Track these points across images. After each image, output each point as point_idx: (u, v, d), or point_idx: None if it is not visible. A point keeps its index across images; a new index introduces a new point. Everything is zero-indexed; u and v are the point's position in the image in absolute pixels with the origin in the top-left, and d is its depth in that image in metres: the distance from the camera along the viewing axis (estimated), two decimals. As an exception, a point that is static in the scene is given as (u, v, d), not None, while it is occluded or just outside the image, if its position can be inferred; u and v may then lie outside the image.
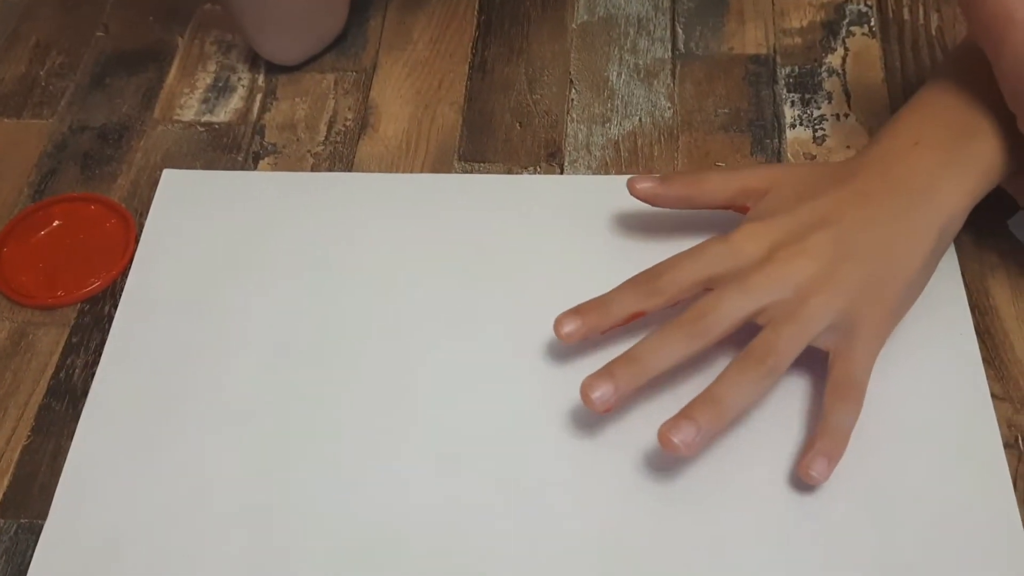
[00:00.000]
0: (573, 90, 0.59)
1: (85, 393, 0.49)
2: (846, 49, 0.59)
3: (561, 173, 0.55)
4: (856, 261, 0.45)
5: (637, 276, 0.47)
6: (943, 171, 0.47)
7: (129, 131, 0.59)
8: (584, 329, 0.46)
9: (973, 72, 0.48)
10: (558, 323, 0.47)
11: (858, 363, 0.45)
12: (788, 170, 0.50)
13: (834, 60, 0.59)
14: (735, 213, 0.50)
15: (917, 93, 0.49)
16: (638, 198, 0.51)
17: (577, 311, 0.47)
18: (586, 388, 0.45)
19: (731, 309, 0.44)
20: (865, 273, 0.45)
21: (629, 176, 0.52)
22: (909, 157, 0.47)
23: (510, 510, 0.44)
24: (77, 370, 0.50)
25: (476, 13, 0.63)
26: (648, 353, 0.45)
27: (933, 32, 0.60)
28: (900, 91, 0.57)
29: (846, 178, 0.47)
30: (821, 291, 0.44)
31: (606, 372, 0.45)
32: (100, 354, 0.50)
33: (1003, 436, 0.45)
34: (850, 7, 0.61)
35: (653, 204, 0.51)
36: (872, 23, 0.60)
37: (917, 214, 0.46)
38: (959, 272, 0.49)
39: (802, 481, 0.43)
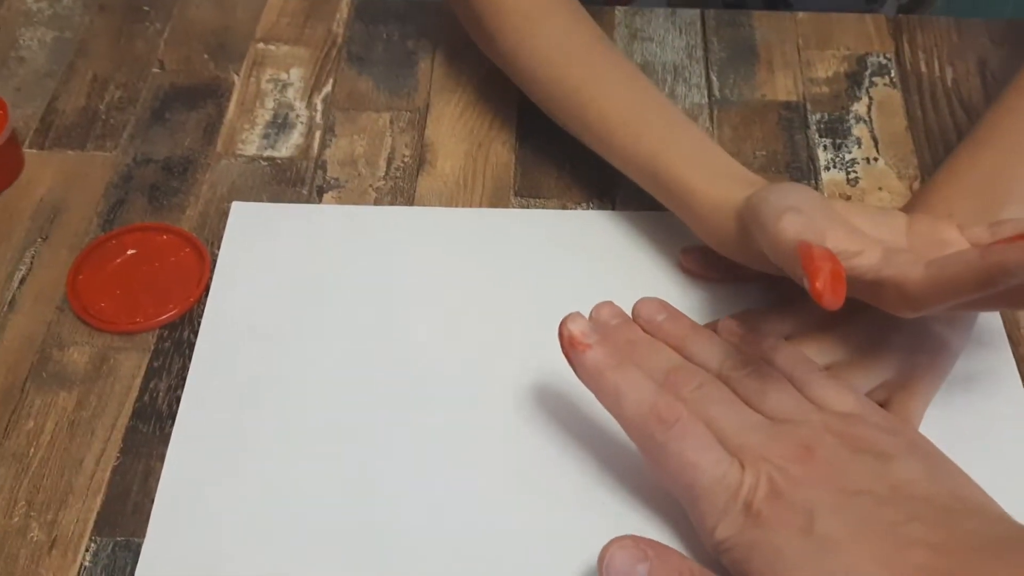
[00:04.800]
0: (618, 132, 0.63)
1: (171, 416, 0.50)
2: (870, 98, 0.64)
3: (613, 209, 0.59)
4: (901, 337, 0.48)
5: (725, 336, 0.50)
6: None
7: (193, 164, 0.61)
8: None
9: (1003, 138, 0.52)
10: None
11: (911, 408, 0.48)
12: None
13: (860, 108, 0.63)
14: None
15: (950, 158, 0.53)
16: (687, 269, 0.55)
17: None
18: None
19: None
20: (911, 348, 0.48)
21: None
22: None
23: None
24: (161, 393, 0.51)
25: (521, 58, 0.66)
26: None
27: (949, 84, 0.64)
28: (924, 139, 0.62)
29: None
30: (868, 366, 0.48)
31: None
32: (182, 378, 0.52)
33: (1044, 454, 0.49)
34: (871, 59, 0.66)
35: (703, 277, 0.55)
36: (892, 74, 0.65)
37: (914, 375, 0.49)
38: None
39: None
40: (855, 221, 0.46)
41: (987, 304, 0.44)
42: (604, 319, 0.50)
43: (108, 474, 0.49)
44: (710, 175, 0.52)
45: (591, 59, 0.56)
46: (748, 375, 0.47)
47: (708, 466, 0.43)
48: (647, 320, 0.51)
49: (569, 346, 0.46)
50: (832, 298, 0.40)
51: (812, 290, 0.40)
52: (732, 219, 0.49)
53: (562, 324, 0.47)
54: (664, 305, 0.51)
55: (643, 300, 0.51)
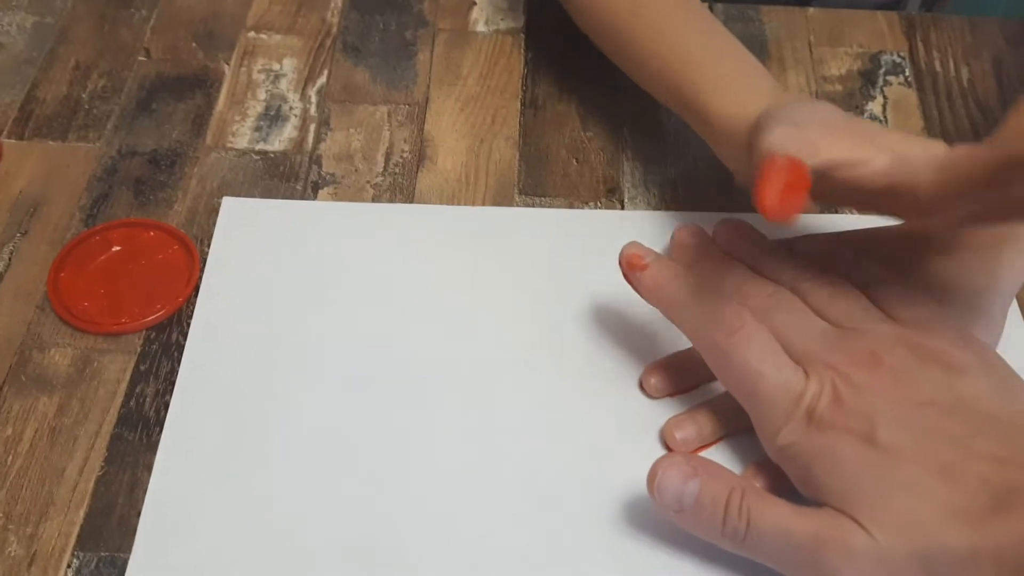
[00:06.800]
0: (626, 129, 0.60)
1: (158, 422, 0.48)
2: (885, 97, 0.62)
3: (622, 209, 0.56)
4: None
5: None
6: (1001, 253, 0.47)
7: (181, 157, 0.58)
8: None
9: None
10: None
11: None
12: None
13: (875, 107, 0.61)
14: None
15: None
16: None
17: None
18: (671, 428, 0.47)
19: None
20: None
21: (692, 213, 0.55)
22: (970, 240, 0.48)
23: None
24: (148, 398, 0.48)
25: (523, 51, 0.64)
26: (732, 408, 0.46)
27: (965, 84, 0.63)
28: (941, 140, 0.59)
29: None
30: None
31: (690, 417, 0.47)
32: (170, 382, 0.49)
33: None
34: (884, 57, 0.64)
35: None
36: (907, 73, 0.63)
37: (983, 300, 0.47)
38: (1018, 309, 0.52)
39: None
40: (881, 138, 0.43)
41: (1003, 211, 0.40)
42: (684, 240, 0.50)
43: (92, 485, 0.46)
44: (731, 87, 0.50)
45: None
46: (820, 285, 0.46)
47: (771, 373, 0.42)
48: (726, 242, 0.50)
49: (628, 267, 0.47)
50: (776, 208, 0.39)
51: (757, 199, 0.39)
52: (745, 136, 0.47)
53: (620, 254, 0.47)
54: (746, 229, 0.50)
55: (723, 222, 0.50)
